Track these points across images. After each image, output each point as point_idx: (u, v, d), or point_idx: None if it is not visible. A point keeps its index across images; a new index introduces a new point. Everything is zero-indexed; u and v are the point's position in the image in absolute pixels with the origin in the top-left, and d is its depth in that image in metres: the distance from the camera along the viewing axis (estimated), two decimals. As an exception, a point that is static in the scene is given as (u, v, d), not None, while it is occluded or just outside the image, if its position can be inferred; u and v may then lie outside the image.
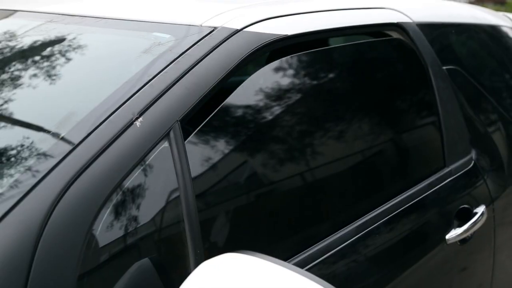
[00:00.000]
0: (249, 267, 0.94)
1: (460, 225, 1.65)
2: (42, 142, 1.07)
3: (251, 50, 1.28)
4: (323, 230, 1.34)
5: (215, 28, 1.31)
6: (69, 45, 1.40)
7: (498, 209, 1.91)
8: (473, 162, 1.83)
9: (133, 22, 1.41)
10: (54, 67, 1.33)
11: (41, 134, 1.11)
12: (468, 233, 1.67)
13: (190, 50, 1.24)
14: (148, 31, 1.35)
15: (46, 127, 1.12)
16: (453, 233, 1.62)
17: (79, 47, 1.39)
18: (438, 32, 1.95)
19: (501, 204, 1.95)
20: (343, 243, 1.32)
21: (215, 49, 1.25)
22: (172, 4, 1.64)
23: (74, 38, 1.41)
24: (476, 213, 1.72)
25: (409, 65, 1.78)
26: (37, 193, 0.95)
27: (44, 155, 1.02)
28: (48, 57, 1.37)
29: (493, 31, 2.36)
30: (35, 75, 1.32)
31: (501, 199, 1.96)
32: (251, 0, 1.64)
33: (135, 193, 1.05)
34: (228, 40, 1.28)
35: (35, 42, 1.45)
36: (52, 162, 0.99)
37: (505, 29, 2.44)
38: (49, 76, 1.31)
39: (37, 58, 1.38)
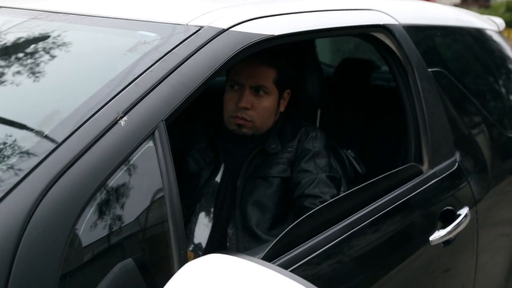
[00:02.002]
0: (233, 268, 0.94)
1: (443, 227, 1.66)
2: (25, 140, 1.06)
3: (237, 50, 1.28)
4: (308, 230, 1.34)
5: (201, 27, 1.30)
6: (53, 43, 1.38)
7: (481, 210, 1.93)
8: (457, 164, 1.84)
9: (119, 20, 1.40)
10: (38, 65, 1.31)
11: (24, 132, 1.10)
12: (452, 235, 1.68)
13: (176, 49, 1.23)
14: (133, 29, 1.34)
15: (29, 125, 1.10)
16: (437, 235, 1.63)
17: (64, 44, 1.38)
18: (423, 34, 1.96)
19: (484, 205, 1.97)
20: (328, 244, 1.32)
21: (201, 48, 1.24)
22: (158, 2, 1.62)
23: (58, 36, 1.40)
24: (459, 214, 1.73)
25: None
26: (19, 191, 0.93)
27: (27, 153, 1.01)
28: (32, 55, 1.36)
29: (478, 34, 2.38)
30: (18, 73, 1.30)
31: (484, 201, 1.98)
32: (238, 0, 1.64)
33: (119, 193, 1.04)
34: (214, 39, 1.27)
35: (18, 39, 1.44)
36: (35, 160, 0.98)
37: (489, 32, 2.46)
38: (33, 73, 1.29)
39: (20, 55, 1.37)
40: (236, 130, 1.68)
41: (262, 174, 1.68)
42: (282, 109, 1.76)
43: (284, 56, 1.74)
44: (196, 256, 1.49)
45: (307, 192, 1.63)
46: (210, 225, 1.66)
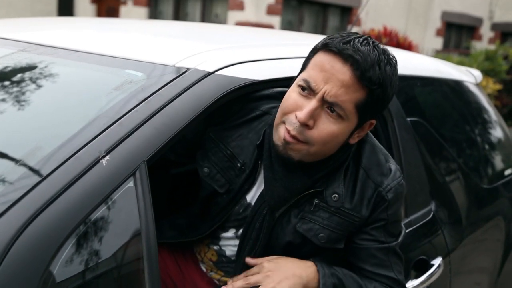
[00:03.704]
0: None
1: (417, 276, 1.67)
2: (6, 175, 1.05)
3: (222, 93, 1.30)
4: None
5: (188, 69, 1.32)
6: (40, 77, 1.39)
7: (454, 260, 1.95)
8: (432, 213, 1.87)
9: (107, 57, 1.41)
10: (23, 98, 1.32)
11: (5, 166, 1.09)
12: (425, 285, 1.69)
13: (161, 90, 1.24)
14: (121, 67, 1.36)
15: (12, 159, 1.11)
16: (410, 285, 1.64)
17: (51, 79, 1.39)
18: (404, 84, 2.00)
19: (458, 255, 1.99)
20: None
21: (186, 90, 1.26)
22: (147, 42, 1.65)
23: (45, 70, 1.41)
24: (433, 264, 1.75)
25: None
26: (-4, 227, 0.93)
27: (7, 188, 1.01)
28: (18, 88, 1.36)
29: (456, 86, 2.45)
30: (3, 103, 1.30)
31: (458, 250, 2.00)
32: (226, 42, 1.67)
33: (97, 232, 1.04)
34: (200, 82, 1.29)
35: (5, 70, 1.44)
36: (15, 196, 0.98)
37: (467, 84, 2.53)
38: (17, 107, 1.29)
39: (6, 87, 1.37)
40: (279, 147, 1.26)
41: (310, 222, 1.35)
42: (353, 141, 1.32)
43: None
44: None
45: (379, 272, 1.35)
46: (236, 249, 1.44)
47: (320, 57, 1.23)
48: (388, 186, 1.34)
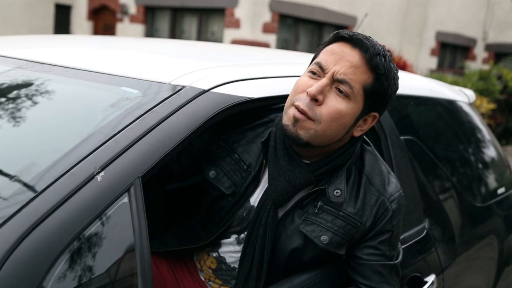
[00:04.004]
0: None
1: (410, 294, 1.68)
2: (0, 190, 1.06)
3: (217, 111, 1.31)
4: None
5: (183, 87, 1.34)
6: (36, 94, 1.40)
7: (447, 277, 1.96)
8: (425, 231, 1.88)
9: (103, 75, 1.42)
10: (19, 115, 1.33)
11: (1, 181, 1.10)
12: (418, 302, 1.70)
13: (157, 107, 1.26)
14: (117, 85, 1.37)
15: (6, 175, 1.11)
16: (403, 302, 1.65)
17: (47, 96, 1.40)
18: (398, 103, 2.03)
19: (451, 272, 2.00)
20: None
21: (181, 108, 1.27)
22: (143, 60, 1.66)
23: (41, 87, 1.42)
24: (426, 282, 1.75)
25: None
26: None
27: (1, 204, 1.02)
28: (13, 104, 1.37)
29: (449, 105, 2.47)
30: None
31: (451, 268, 2.01)
32: (221, 61, 1.68)
33: (91, 247, 1.05)
34: (195, 100, 1.31)
35: (1, 87, 1.45)
36: (9, 211, 0.99)
37: (460, 104, 2.55)
38: (13, 123, 1.30)
39: (2, 104, 1.38)
40: (289, 127, 1.30)
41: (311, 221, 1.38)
42: (356, 133, 1.38)
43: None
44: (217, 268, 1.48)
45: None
46: (239, 254, 1.45)
47: (331, 46, 1.34)
48: (392, 196, 1.39)
